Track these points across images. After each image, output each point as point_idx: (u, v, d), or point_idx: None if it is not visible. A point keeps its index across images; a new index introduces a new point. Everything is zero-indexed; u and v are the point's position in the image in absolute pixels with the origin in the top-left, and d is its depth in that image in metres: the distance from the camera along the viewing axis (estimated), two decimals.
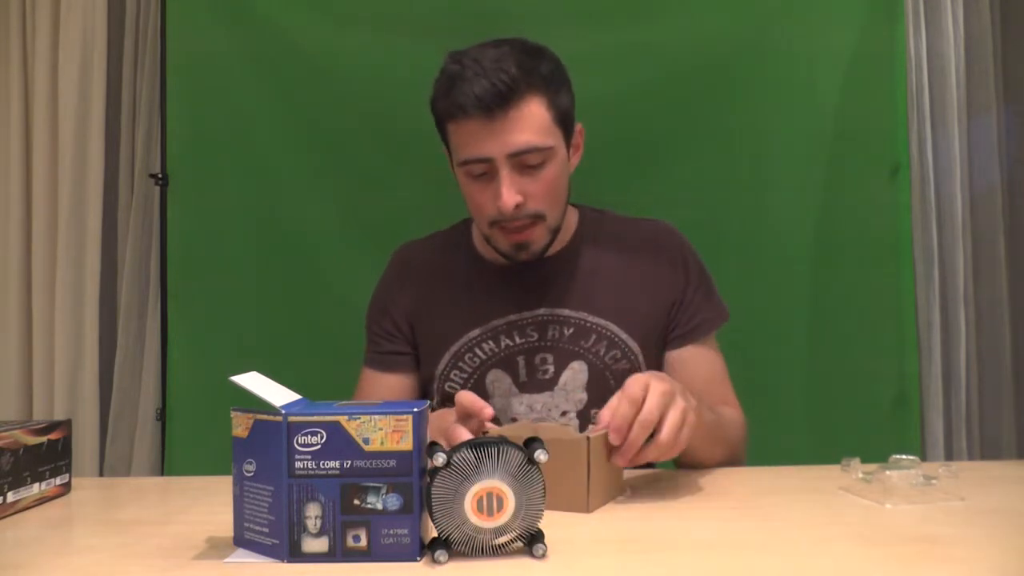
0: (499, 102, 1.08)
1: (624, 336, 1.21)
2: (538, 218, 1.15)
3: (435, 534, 0.71)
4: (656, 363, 1.23)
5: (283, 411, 0.71)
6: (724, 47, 1.70)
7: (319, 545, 0.70)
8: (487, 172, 1.13)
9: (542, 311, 1.22)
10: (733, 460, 1.14)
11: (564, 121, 1.16)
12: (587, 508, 0.87)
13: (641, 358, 1.22)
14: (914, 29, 1.89)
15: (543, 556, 0.71)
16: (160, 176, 1.80)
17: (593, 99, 1.64)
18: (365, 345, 1.32)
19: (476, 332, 1.22)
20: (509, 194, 1.11)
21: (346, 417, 0.70)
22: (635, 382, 0.90)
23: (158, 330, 1.85)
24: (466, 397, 0.88)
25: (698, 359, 1.22)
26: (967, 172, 1.92)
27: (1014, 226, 1.95)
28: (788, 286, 1.70)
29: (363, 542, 0.70)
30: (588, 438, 0.87)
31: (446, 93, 1.12)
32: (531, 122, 1.11)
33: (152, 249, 1.95)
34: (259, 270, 1.77)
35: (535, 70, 1.12)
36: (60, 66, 1.96)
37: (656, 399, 0.88)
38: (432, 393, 1.25)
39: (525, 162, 1.12)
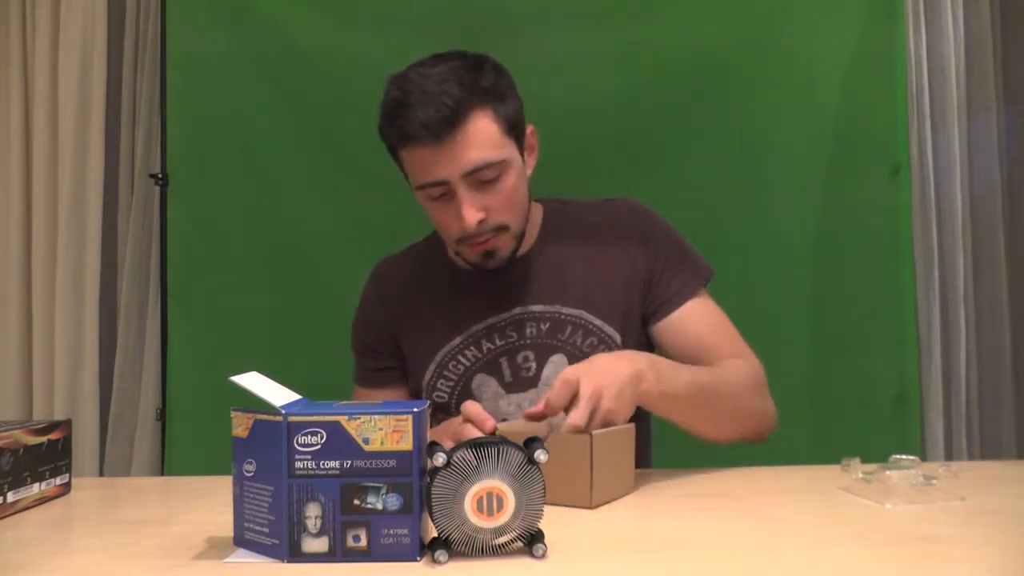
0: (445, 126, 1.07)
1: (599, 323, 1.22)
2: (502, 229, 1.16)
3: (435, 534, 0.71)
4: (638, 342, 1.23)
5: (283, 411, 0.71)
6: (724, 47, 1.70)
7: (319, 545, 0.70)
8: (445, 193, 1.13)
9: (517, 310, 1.22)
10: (742, 413, 1.13)
11: (514, 129, 1.15)
12: (591, 503, 0.88)
13: (618, 340, 1.22)
14: (914, 29, 1.89)
15: (543, 556, 0.71)
16: (160, 176, 1.80)
17: (593, 99, 1.64)
18: (354, 361, 1.33)
19: (457, 340, 1.23)
20: (470, 213, 1.11)
21: (346, 417, 0.70)
22: (557, 398, 0.93)
23: (158, 330, 1.85)
24: (472, 408, 0.93)
25: (688, 321, 1.21)
26: (967, 172, 1.92)
27: (1014, 226, 1.95)
28: (788, 286, 1.70)
29: (363, 542, 0.70)
30: (592, 435, 0.88)
31: (391, 121, 1.12)
32: (480, 139, 1.10)
33: (152, 249, 1.95)
34: (259, 270, 1.77)
35: (477, 85, 1.11)
36: (60, 66, 1.96)
37: (583, 408, 0.92)
38: None
39: (481, 178, 1.11)
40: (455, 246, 1.19)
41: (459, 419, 0.97)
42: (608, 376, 0.96)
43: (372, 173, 1.73)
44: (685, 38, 1.70)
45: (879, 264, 1.69)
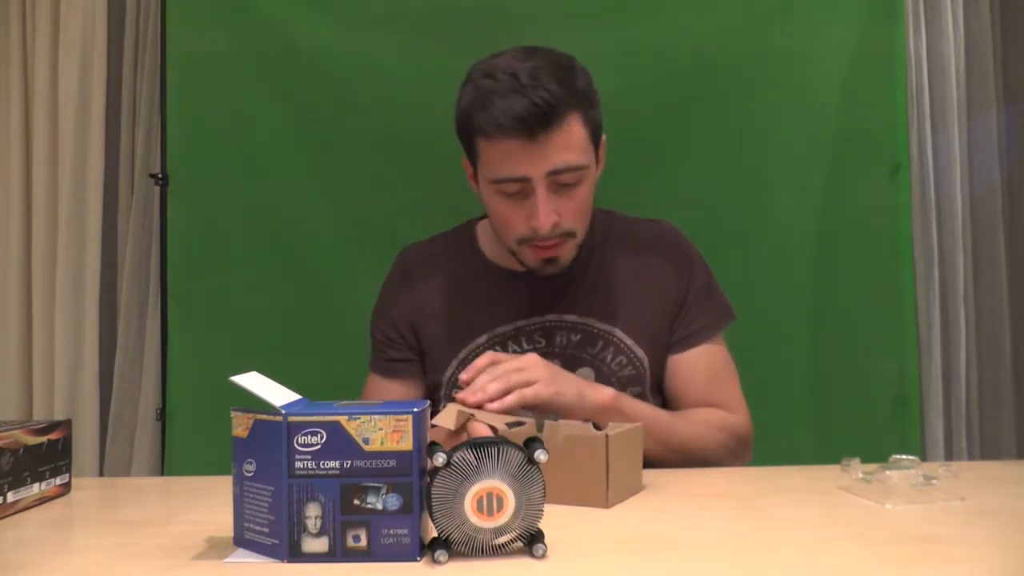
0: (542, 122, 1.05)
1: (630, 342, 1.21)
2: (569, 236, 1.14)
3: (435, 534, 0.71)
4: (662, 367, 1.23)
5: (283, 411, 0.71)
6: (724, 47, 1.70)
7: (319, 545, 0.70)
8: (521, 191, 1.10)
9: (550, 317, 1.21)
10: (697, 459, 1.13)
11: (595, 137, 1.14)
12: (606, 504, 0.88)
13: (647, 364, 1.21)
14: (914, 29, 1.89)
15: (543, 556, 0.71)
16: (160, 176, 1.80)
17: None
18: (370, 350, 1.31)
19: (483, 339, 1.21)
20: (547, 215, 1.09)
21: (346, 417, 0.70)
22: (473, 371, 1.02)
23: (158, 330, 1.85)
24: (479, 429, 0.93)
25: (697, 363, 1.22)
26: (967, 172, 1.92)
27: (1014, 226, 1.95)
28: (788, 286, 1.70)
29: (363, 542, 0.70)
30: (607, 435, 0.88)
31: (482, 109, 1.08)
32: (571, 142, 1.08)
33: (152, 249, 1.95)
34: (259, 270, 1.77)
35: (573, 86, 1.08)
36: (60, 66, 1.96)
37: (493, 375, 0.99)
38: (440, 400, 1.24)
39: (561, 181, 1.09)
40: (515, 246, 1.15)
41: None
42: (547, 367, 1.02)
43: (372, 173, 1.75)
44: (685, 38, 1.70)
45: (879, 264, 1.69)
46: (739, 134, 1.70)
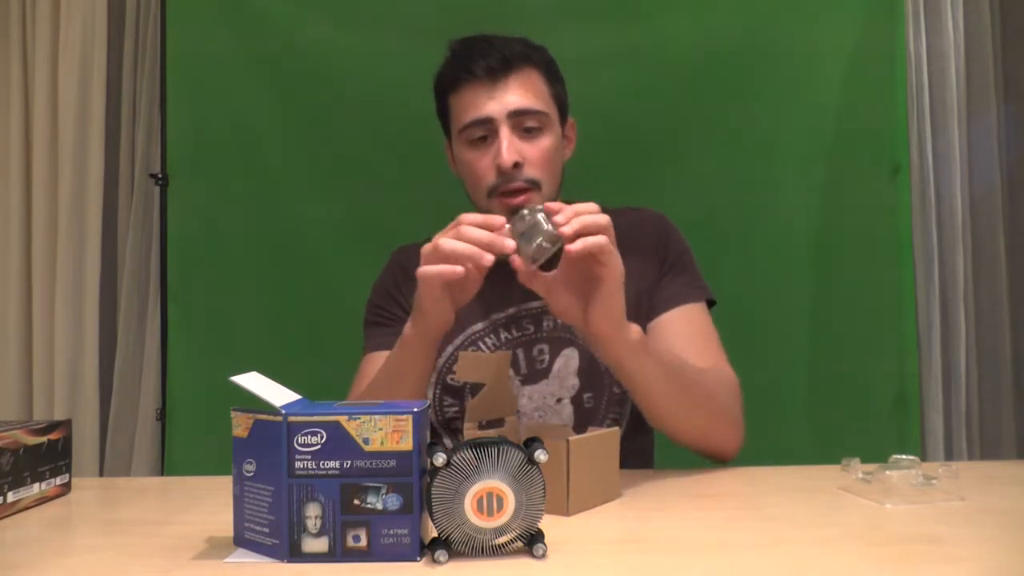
0: (502, 66, 1.16)
1: None
2: (534, 185, 1.18)
3: (435, 534, 0.71)
4: None
5: (283, 411, 0.71)
6: (724, 47, 1.70)
7: (319, 545, 0.70)
8: (486, 136, 1.18)
9: (536, 304, 1.23)
10: (716, 416, 1.10)
11: (559, 104, 1.23)
12: (567, 511, 0.85)
13: None
14: (914, 29, 1.89)
15: (543, 556, 0.71)
16: (160, 176, 1.80)
17: (593, 99, 1.65)
18: (366, 336, 1.31)
19: (480, 326, 1.23)
20: (509, 151, 1.15)
21: (346, 417, 0.70)
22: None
23: (158, 330, 1.85)
24: (472, 216, 0.98)
25: (674, 323, 1.21)
26: (967, 172, 1.91)
27: (1014, 226, 1.95)
28: (788, 286, 1.70)
29: (363, 542, 0.70)
30: (568, 440, 0.86)
31: (451, 64, 1.21)
32: (531, 87, 1.18)
33: (152, 249, 1.94)
34: (259, 270, 1.77)
35: (535, 50, 1.22)
36: (60, 66, 1.96)
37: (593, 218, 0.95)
38: (432, 384, 1.25)
39: (523, 124, 1.17)
40: (486, 201, 1.19)
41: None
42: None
43: (372, 173, 1.75)
44: (686, 37, 1.70)
45: (879, 264, 1.68)
46: (739, 134, 1.70)
